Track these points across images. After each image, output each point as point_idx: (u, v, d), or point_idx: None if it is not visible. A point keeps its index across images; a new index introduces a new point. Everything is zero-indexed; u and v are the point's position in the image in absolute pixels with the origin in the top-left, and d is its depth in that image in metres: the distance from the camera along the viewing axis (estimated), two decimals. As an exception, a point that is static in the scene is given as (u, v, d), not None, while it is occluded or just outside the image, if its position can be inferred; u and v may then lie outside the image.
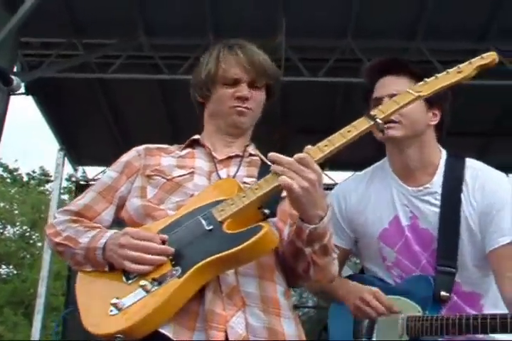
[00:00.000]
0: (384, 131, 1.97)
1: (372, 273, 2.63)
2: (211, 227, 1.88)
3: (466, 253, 2.45)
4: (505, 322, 2.12)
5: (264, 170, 2.08)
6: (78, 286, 2.03)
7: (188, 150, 2.28)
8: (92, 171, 9.70)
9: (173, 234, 1.93)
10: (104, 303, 1.87)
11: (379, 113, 1.90)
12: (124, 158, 2.28)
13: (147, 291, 1.83)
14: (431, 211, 2.48)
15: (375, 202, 2.57)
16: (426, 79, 1.93)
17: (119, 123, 8.50)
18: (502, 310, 2.37)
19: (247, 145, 2.29)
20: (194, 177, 2.13)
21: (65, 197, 18.03)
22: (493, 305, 2.48)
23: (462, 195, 2.45)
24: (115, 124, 8.49)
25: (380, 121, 1.87)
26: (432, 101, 2.50)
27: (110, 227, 2.18)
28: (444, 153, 2.60)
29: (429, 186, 2.50)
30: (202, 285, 1.85)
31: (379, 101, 2.44)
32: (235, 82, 2.21)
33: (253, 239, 1.78)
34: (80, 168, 9.65)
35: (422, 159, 2.53)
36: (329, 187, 2.95)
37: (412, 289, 2.41)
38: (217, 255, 1.81)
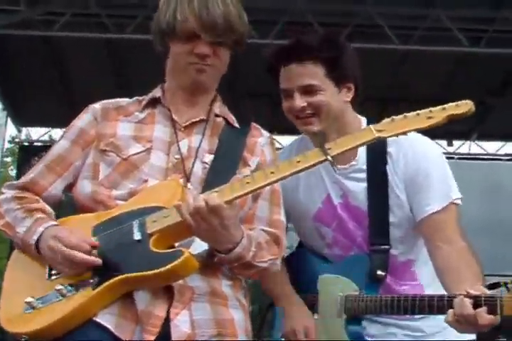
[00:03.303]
0: (333, 166, 1.88)
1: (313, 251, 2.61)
2: (139, 238, 1.86)
3: (398, 225, 2.42)
4: (442, 303, 2.10)
5: (226, 134, 2.08)
6: (9, 265, 2.05)
7: (149, 111, 2.13)
8: (36, 132, 9.51)
9: (104, 235, 1.91)
10: (21, 298, 1.89)
11: (334, 148, 1.84)
12: (78, 122, 2.14)
13: (62, 295, 1.86)
14: (359, 187, 2.42)
15: (306, 182, 2.50)
16: (393, 117, 1.85)
17: (64, 82, 8.29)
18: (431, 270, 2.39)
19: (213, 102, 2.16)
20: (151, 156, 2.03)
21: (8, 159, 17.65)
22: (425, 270, 2.48)
23: (387, 167, 2.39)
24: (60, 84, 8.29)
25: (331, 159, 1.83)
26: (341, 78, 2.37)
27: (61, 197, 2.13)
28: (364, 123, 2.47)
29: (354, 163, 2.43)
30: (117, 297, 1.85)
31: (288, 93, 2.37)
32: (194, 38, 2.01)
33: (171, 265, 1.78)
34: (24, 129, 9.44)
35: (347, 133, 2.38)
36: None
37: (350, 268, 2.41)
38: (134, 274, 1.82)
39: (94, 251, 1.87)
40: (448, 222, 2.33)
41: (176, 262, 1.78)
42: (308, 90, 2.34)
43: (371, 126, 1.87)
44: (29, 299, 1.87)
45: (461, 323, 1.96)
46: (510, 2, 7.10)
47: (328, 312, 2.43)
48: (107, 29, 7.18)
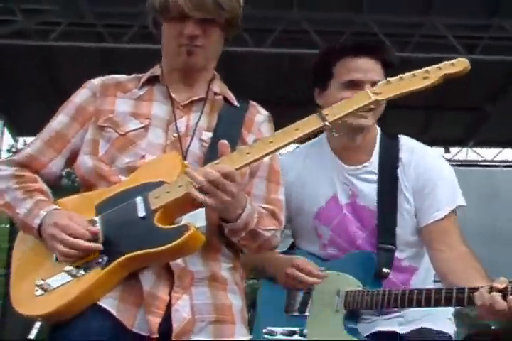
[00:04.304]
0: (333, 132, 1.86)
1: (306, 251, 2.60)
2: (144, 215, 1.85)
3: (404, 228, 2.47)
4: (450, 295, 2.13)
5: (225, 112, 2.07)
6: (17, 245, 2.03)
7: (147, 88, 2.10)
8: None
9: (108, 213, 1.90)
10: (32, 280, 1.87)
11: (331, 114, 1.80)
12: (77, 98, 2.13)
13: (72, 276, 1.84)
14: (370, 188, 2.48)
15: (313, 181, 2.54)
16: (389, 79, 1.81)
17: (59, 92, 8.29)
18: (430, 283, 2.47)
19: (212, 80, 2.13)
20: (149, 133, 2.01)
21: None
22: (422, 280, 2.53)
23: (399, 172, 2.46)
24: (55, 93, 8.29)
25: (329, 125, 1.80)
26: None
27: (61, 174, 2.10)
28: (379, 131, 2.57)
29: (367, 164, 2.49)
30: (124, 276, 1.84)
31: (356, 83, 2.39)
32: (183, 17, 1.96)
33: (178, 240, 1.77)
34: (21, 139, 9.43)
35: (364, 140, 2.51)
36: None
37: (353, 265, 2.43)
38: (142, 251, 1.80)
39: (96, 236, 1.85)
40: (451, 229, 2.40)
41: (183, 237, 1.77)
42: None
43: (367, 89, 1.85)
44: (39, 281, 1.85)
45: (493, 314, 2.03)
46: (505, 10, 7.13)
47: (323, 308, 2.42)
48: (102, 39, 7.18)
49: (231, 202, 1.82)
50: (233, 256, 2.03)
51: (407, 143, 2.53)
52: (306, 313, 2.45)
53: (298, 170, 2.57)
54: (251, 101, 2.19)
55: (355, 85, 2.37)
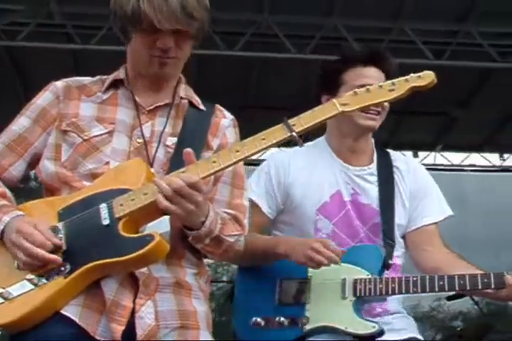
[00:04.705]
0: (298, 143, 1.86)
1: None
2: (108, 222, 1.83)
3: (399, 228, 2.68)
4: (489, 281, 2.33)
5: (190, 116, 2.06)
6: None
7: (111, 92, 2.08)
8: None
9: (71, 220, 1.87)
10: None
11: (298, 124, 1.80)
12: (39, 101, 2.08)
13: (34, 284, 1.81)
14: (372, 187, 2.68)
15: (317, 177, 2.68)
16: (356, 90, 1.82)
17: (28, 93, 8.17)
18: None
19: (178, 84, 2.12)
20: (113, 138, 1.99)
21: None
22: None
23: (395, 177, 2.71)
24: (24, 94, 8.19)
25: (296, 136, 1.79)
26: None
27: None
28: (371, 138, 2.80)
29: (370, 166, 2.72)
30: (88, 285, 1.82)
31: None
32: (156, 30, 1.93)
33: (143, 250, 1.76)
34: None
35: (366, 143, 2.75)
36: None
37: (361, 256, 2.53)
38: (106, 260, 1.79)
39: (60, 247, 1.82)
40: (438, 234, 2.69)
41: (148, 247, 1.76)
42: None
43: (334, 100, 1.84)
44: (0, 290, 1.82)
45: None
46: (472, 16, 7.22)
47: (327, 296, 2.47)
48: (71, 40, 7.11)
49: (195, 211, 1.81)
50: (197, 262, 2.03)
51: (397, 154, 2.82)
52: (304, 302, 2.48)
53: (300, 166, 2.70)
54: (217, 105, 2.18)
55: None
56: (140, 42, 1.98)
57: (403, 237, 2.70)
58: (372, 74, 2.64)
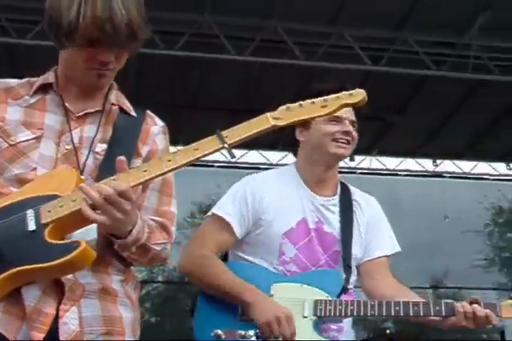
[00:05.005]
0: (231, 154, 1.86)
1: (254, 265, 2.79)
2: (34, 229, 1.78)
3: (356, 257, 2.84)
4: (440, 308, 2.55)
5: (120, 123, 2.03)
6: None
7: (40, 96, 2.01)
8: None
9: None
10: None
11: (230, 136, 1.81)
12: None
13: None
14: (334, 218, 2.83)
15: (287, 204, 2.81)
16: (289, 105, 1.85)
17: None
18: None
19: (109, 91, 2.08)
20: (41, 144, 1.94)
21: None
22: None
23: (354, 209, 2.89)
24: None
25: (228, 147, 1.80)
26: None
27: None
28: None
29: (335, 198, 2.87)
30: (9, 291, 1.78)
31: (339, 120, 2.76)
32: (96, 44, 1.87)
33: (68, 256, 1.73)
34: None
35: (333, 174, 2.90)
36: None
37: (322, 280, 2.70)
38: (30, 266, 1.74)
39: None
40: (387, 265, 2.91)
41: (73, 253, 1.72)
42: (353, 125, 2.82)
43: (267, 114, 1.85)
44: None
45: (470, 321, 2.52)
46: (409, 24, 7.38)
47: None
48: (7, 33, 6.94)
49: (123, 219, 1.79)
50: (124, 269, 2.00)
51: (356, 189, 2.97)
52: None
53: (273, 192, 2.82)
54: (148, 112, 2.15)
55: (337, 121, 2.77)
56: (76, 54, 1.92)
57: (357, 266, 2.86)
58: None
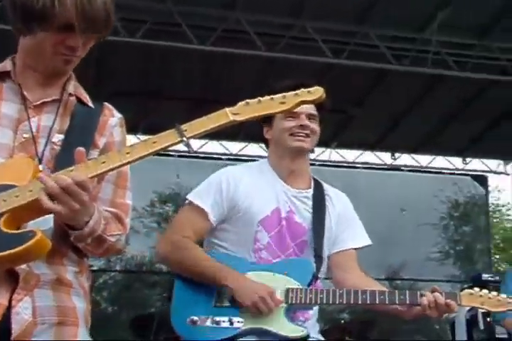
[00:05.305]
0: (189, 147, 1.89)
1: (229, 253, 2.88)
2: None
3: (327, 247, 2.95)
4: (405, 297, 2.68)
5: (78, 114, 2.02)
6: None
7: None
8: None
9: None
10: None
11: (189, 130, 1.82)
12: None
13: None
14: (305, 210, 2.95)
15: (262, 193, 2.91)
16: (248, 101, 1.87)
17: None
18: None
19: (68, 81, 2.08)
20: None
21: None
22: None
23: (327, 203, 3.00)
24: None
25: (186, 140, 1.82)
26: (322, 114, 2.97)
27: None
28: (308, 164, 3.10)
29: (308, 191, 2.99)
30: None
31: (295, 115, 2.87)
32: (68, 29, 1.89)
33: (22, 246, 1.72)
34: None
35: (302, 166, 3.01)
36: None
37: (295, 268, 2.79)
38: None
39: None
40: (355, 257, 3.03)
41: (29, 243, 1.72)
42: (311, 118, 2.93)
43: (226, 109, 1.87)
44: None
45: (433, 310, 2.64)
46: (371, 19, 7.44)
47: None
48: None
49: (80, 210, 1.79)
50: (79, 260, 2.01)
51: (328, 186, 3.10)
52: (239, 305, 2.66)
53: (249, 181, 2.92)
54: (105, 104, 2.16)
55: (293, 117, 2.89)
56: (45, 38, 1.92)
57: (328, 257, 2.97)
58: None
